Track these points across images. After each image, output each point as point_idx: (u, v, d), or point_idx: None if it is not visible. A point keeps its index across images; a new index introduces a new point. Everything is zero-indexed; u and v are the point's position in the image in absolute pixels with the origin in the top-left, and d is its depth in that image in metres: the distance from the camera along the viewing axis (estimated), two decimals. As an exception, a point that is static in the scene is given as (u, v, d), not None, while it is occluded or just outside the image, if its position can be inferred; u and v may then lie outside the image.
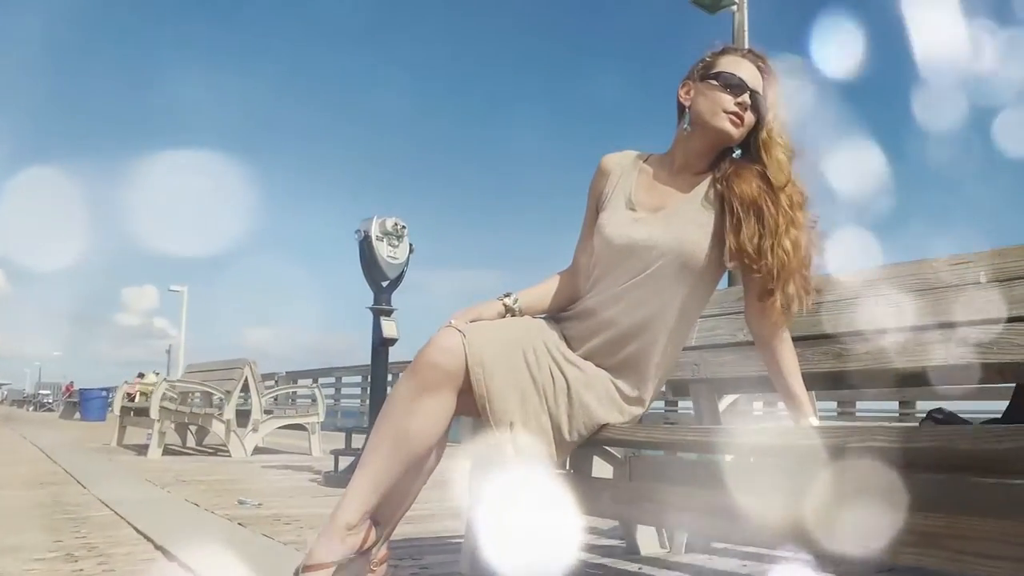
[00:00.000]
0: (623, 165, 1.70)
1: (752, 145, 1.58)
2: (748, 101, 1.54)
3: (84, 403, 18.69)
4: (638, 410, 1.63)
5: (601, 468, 1.95)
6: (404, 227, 4.28)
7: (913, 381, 1.71)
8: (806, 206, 1.55)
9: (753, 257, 1.50)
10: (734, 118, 1.54)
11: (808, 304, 1.53)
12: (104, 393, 18.47)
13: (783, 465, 1.28)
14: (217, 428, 6.02)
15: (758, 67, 1.58)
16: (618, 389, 1.59)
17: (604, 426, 1.57)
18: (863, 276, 1.76)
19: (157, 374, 25.16)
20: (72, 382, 37.41)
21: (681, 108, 1.63)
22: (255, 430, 6.19)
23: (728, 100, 1.55)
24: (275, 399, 10.35)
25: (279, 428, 6.78)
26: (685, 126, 1.60)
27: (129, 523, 2.61)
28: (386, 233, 4.22)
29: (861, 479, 1.13)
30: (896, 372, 1.65)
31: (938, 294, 1.59)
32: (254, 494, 3.62)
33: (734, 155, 1.59)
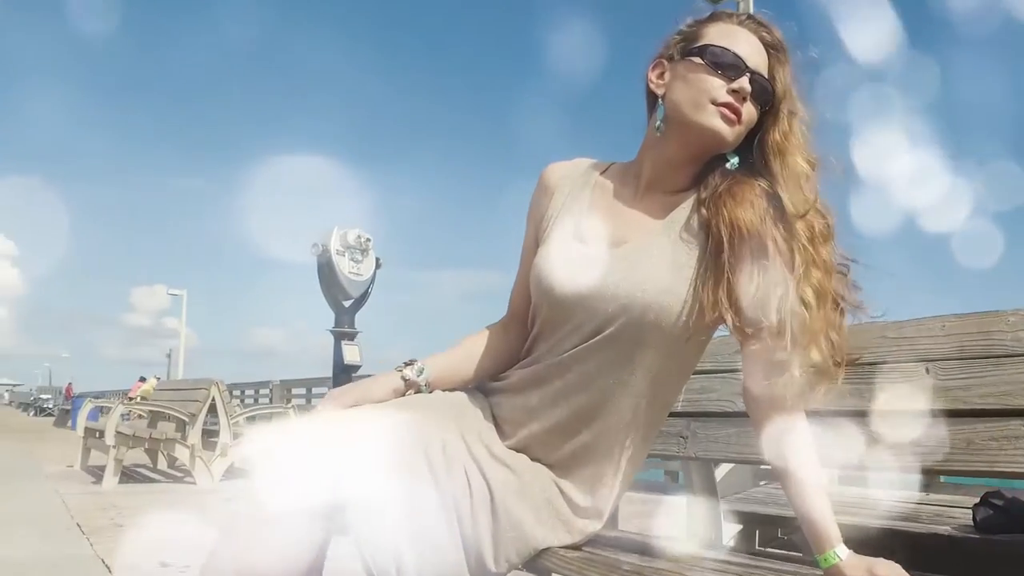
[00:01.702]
0: (572, 179, 1.22)
1: (756, 151, 1.10)
2: (748, 87, 1.07)
3: (75, 411, 18.16)
4: (593, 525, 1.16)
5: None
6: (369, 240, 3.81)
7: (970, 475, 1.24)
8: (833, 239, 1.07)
9: (753, 317, 1.02)
10: (727, 111, 1.07)
11: (840, 377, 1.05)
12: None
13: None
14: (181, 453, 5.57)
15: (762, 39, 1.11)
16: (564, 496, 1.13)
17: (544, 550, 1.10)
18: (905, 332, 1.28)
19: (158, 378, 24.89)
20: (70, 384, 37.14)
21: (652, 99, 1.16)
22: (223, 455, 5.74)
23: (719, 86, 1.07)
24: (270, 415, 9.82)
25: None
26: (658, 123, 1.13)
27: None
28: (348, 247, 3.76)
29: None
30: (949, 470, 1.18)
31: (1017, 363, 1.11)
32: (196, 544, 3.16)
33: (728, 165, 1.11)
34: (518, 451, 1.15)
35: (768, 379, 1.04)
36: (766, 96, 1.09)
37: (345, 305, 3.82)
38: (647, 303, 1.05)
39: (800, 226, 1.05)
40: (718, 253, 1.05)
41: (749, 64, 1.08)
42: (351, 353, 3.76)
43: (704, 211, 1.09)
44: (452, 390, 1.22)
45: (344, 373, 3.83)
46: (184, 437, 5.58)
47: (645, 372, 1.09)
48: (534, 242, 1.22)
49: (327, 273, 3.75)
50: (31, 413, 31.24)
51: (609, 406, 1.11)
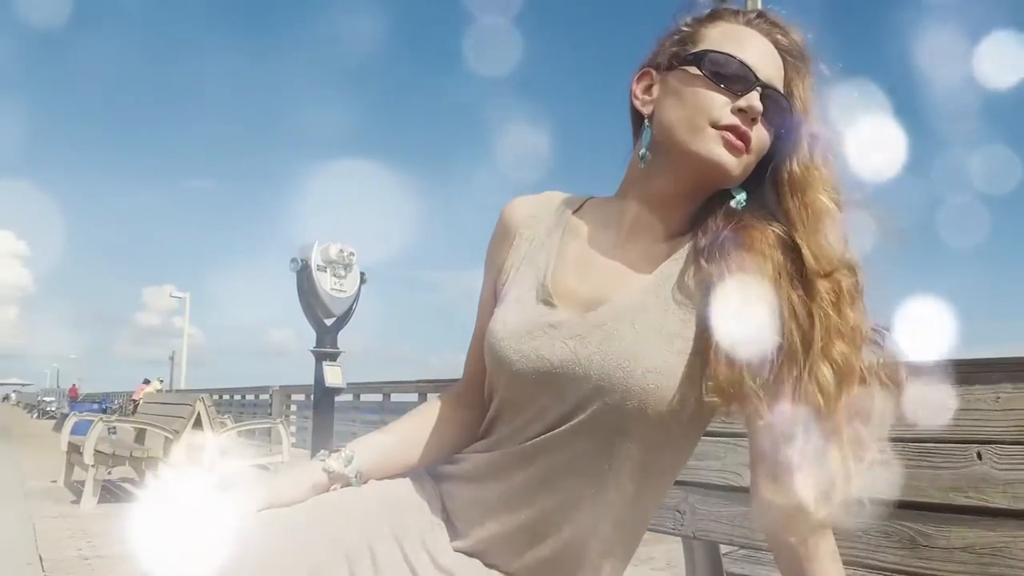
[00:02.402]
0: (538, 220, 0.99)
1: (768, 186, 0.87)
2: (758, 105, 0.84)
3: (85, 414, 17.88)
4: (563, 651, 0.93)
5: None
6: (352, 254, 3.58)
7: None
8: (862, 300, 0.84)
9: (761, 407, 0.79)
10: (732, 137, 0.84)
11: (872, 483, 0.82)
12: (95, 405, 17.85)
13: None
14: (166, 471, 5.36)
15: (777, 43, 0.88)
16: (527, 616, 0.90)
17: None
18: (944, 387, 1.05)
19: (161, 381, 24.79)
20: (75, 385, 37.10)
21: (638, 119, 0.93)
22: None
23: (721, 103, 0.85)
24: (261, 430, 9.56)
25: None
26: (643, 151, 0.90)
27: None
28: (329, 262, 3.53)
29: None
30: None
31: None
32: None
33: (733, 204, 0.88)
34: (471, 555, 0.92)
35: (779, 483, 0.81)
36: (781, 116, 0.86)
37: (327, 324, 3.59)
38: (628, 386, 0.82)
39: (823, 285, 0.82)
40: (720, 320, 0.82)
41: (760, 75, 0.85)
42: (333, 375, 3.53)
43: (704, 264, 0.86)
44: (393, 476, 0.99)
45: (326, 396, 3.60)
46: (168, 454, 5.37)
47: (627, 467, 0.86)
48: (492, 298, 0.99)
49: (307, 290, 3.52)
50: (34, 415, 31.13)
51: (583, 507, 0.88)
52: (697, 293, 0.85)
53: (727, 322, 0.81)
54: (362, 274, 3.67)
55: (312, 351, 3.61)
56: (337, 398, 11.56)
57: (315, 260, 3.51)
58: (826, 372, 0.79)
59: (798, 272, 0.82)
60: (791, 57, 0.89)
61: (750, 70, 0.85)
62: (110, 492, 5.57)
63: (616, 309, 0.86)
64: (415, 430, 1.01)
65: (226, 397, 17.33)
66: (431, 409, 1.04)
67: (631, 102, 0.93)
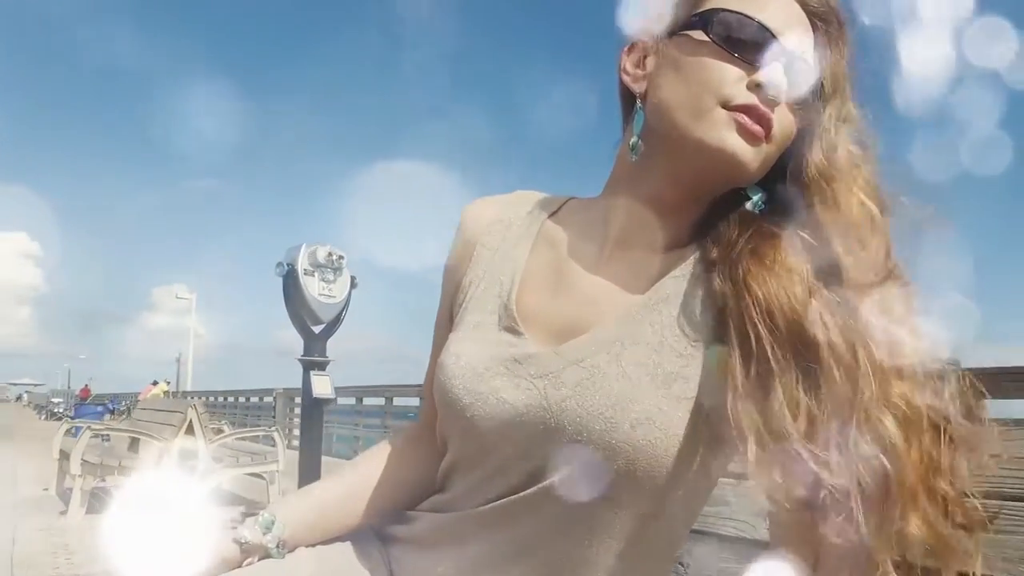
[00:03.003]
0: (506, 227, 0.81)
1: (792, 184, 0.69)
2: (782, 82, 0.65)
3: (77, 419, 17.74)
4: None
5: None
6: (342, 257, 3.41)
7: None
8: (919, 320, 0.65)
9: (797, 474, 0.60)
10: (747, 120, 0.66)
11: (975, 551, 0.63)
12: (100, 408, 17.73)
13: None
14: (140, 483, 5.21)
15: (804, 3, 0.69)
16: None
17: None
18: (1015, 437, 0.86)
19: (168, 383, 24.69)
20: (87, 385, 37.13)
21: (629, 100, 0.74)
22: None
23: (734, 78, 0.66)
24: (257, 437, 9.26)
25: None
26: (634, 139, 0.71)
27: None
28: (317, 266, 3.36)
29: None
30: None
31: None
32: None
33: (748, 206, 0.70)
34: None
35: (829, 569, 0.62)
36: (811, 97, 0.68)
37: (315, 331, 3.42)
38: (612, 440, 0.64)
39: (867, 307, 0.63)
40: (740, 359, 0.63)
41: (784, 43, 0.66)
42: (321, 385, 3.36)
43: (715, 282, 0.67)
44: (331, 541, 0.81)
45: (314, 407, 3.43)
46: (159, 463, 5.21)
47: (613, 539, 0.68)
48: (449, 322, 0.80)
49: (293, 296, 3.35)
50: (42, 416, 31.09)
51: None
52: (703, 321, 0.67)
53: (743, 360, 0.62)
54: (352, 278, 3.50)
55: (299, 360, 3.44)
56: (339, 402, 11.42)
57: (302, 264, 3.34)
58: (888, 423, 0.60)
59: (834, 292, 0.63)
60: (821, 21, 0.70)
61: (771, 35, 0.66)
62: (101, 501, 5.41)
63: (598, 340, 0.68)
64: (361, 480, 0.83)
65: (230, 399, 17.18)
66: (381, 454, 0.86)
67: (620, 78, 0.74)
